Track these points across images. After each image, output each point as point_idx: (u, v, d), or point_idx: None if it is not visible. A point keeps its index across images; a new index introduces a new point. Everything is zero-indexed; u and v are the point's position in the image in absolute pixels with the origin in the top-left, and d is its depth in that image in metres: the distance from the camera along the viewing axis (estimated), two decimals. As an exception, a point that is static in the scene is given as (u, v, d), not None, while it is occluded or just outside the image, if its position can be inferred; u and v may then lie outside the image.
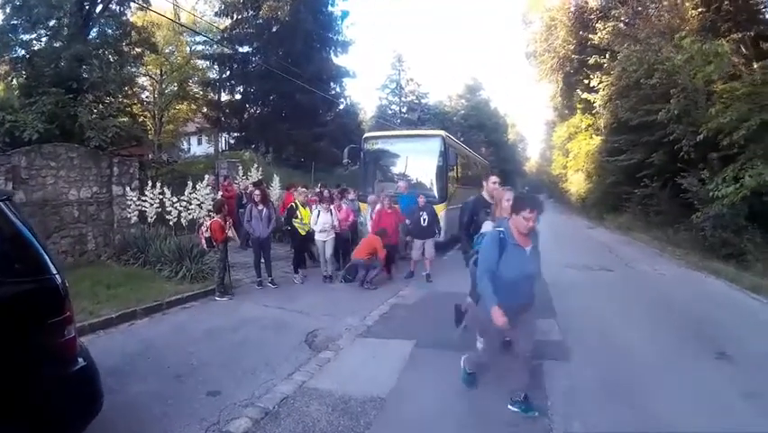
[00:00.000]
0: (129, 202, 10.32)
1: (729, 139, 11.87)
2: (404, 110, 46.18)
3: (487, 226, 4.91)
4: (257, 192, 9.66)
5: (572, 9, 21.98)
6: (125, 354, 5.51)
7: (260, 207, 9.23)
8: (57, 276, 2.97)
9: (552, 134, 47.80)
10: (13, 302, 2.78)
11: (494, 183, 5.87)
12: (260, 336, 6.36)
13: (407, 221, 10.14)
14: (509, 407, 4.18)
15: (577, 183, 37.11)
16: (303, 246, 10.13)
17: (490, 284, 3.73)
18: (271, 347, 5.88)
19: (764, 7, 17.11)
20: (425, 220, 9.79)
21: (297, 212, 9.76)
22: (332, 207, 10.04)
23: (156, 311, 7.33)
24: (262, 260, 9.30)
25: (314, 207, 9.95)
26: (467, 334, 5.25)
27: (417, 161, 13.93)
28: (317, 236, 9.72)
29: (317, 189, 12.37)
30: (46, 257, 3.00)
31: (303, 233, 9.75)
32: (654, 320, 7.28)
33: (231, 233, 8.73)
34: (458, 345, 5.21)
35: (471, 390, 4.62)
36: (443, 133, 14.50)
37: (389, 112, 45.71)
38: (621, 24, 17.37)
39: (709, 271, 11.58)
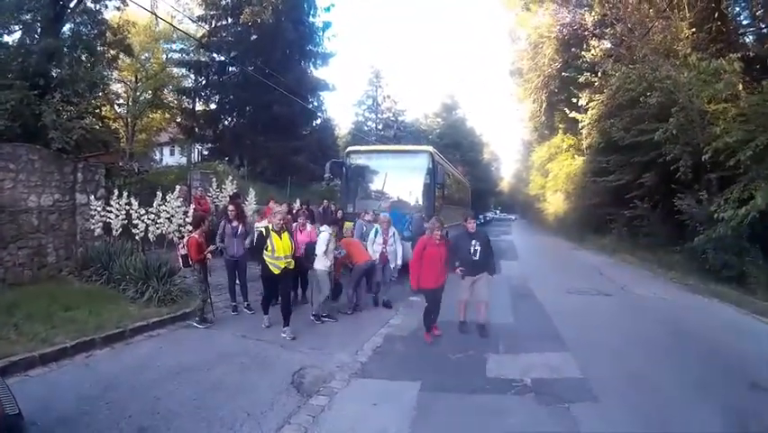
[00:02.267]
0: (93, 212, 9.41)
1: (734, 159, 11.58)
2: (380, 127, 45.72)
3: None
4: (231, 207, 8.68)
5: (564, 24, 21.83)
6: (80, 396, 4.64)
7: (235, 223, 8.31)
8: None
9: (529, 154, 47.65)
10: None
11: None
12: (239, 375, 5.45)
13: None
14: None
15: (556, 204, 37.00)
16: (276, 288, 7.32)
17: None
18: (253, 391, 5.00)
19: (745, 33, 17.39)
20: (476, 252, 7.33)
21: (269, 241, 6.99)
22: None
23: (118, 340, 6.44)
24: (237, 282, 8.42)
25: (318, 228, 8.57)
26: None
27: (404, 177, 13.25)
28: (323, 265, 7.87)
29: (297, 207, 11.46)
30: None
31: (277, 271, 6.99)
32: (672, 351, 6.84)
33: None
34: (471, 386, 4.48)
35: None
36: (430, 148, 13.90)
37: (365, 128, 45.17)
38: (614, 43, 17.31)
39: (710, 294, 11.23)
